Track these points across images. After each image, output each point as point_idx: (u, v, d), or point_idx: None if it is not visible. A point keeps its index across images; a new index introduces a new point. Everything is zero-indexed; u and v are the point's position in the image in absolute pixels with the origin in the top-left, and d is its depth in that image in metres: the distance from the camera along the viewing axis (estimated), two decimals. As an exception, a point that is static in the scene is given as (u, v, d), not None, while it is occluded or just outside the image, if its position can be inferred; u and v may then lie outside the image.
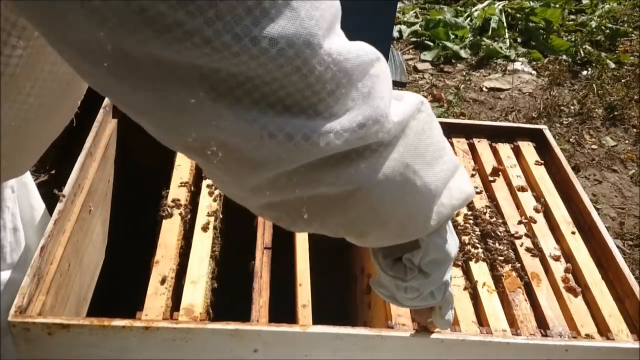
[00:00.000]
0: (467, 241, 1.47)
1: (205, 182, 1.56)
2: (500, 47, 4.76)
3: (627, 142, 3.89)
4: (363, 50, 0.68)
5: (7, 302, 1.19)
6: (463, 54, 4.72)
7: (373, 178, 0.73)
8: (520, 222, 1.56)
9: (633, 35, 5.05)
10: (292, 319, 1.24)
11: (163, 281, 1.29)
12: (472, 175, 1.70)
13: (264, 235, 1.42)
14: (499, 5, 5.14)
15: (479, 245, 1.46)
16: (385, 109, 0.70)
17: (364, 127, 0.68)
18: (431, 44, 4.80)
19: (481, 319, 1.31)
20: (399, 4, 5.24)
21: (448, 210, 0.83)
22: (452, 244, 0.90)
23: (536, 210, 1.61)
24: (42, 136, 1.01)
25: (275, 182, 0.69)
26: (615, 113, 4.09)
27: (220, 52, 0.58)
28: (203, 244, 1.39)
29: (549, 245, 1.50)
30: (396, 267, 0.91)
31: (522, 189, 1.67)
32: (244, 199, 0.75)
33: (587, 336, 1.28)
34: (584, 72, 4.59)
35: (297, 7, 0.59)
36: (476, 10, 5.11)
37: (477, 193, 1.64)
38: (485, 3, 5.20)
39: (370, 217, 0.78)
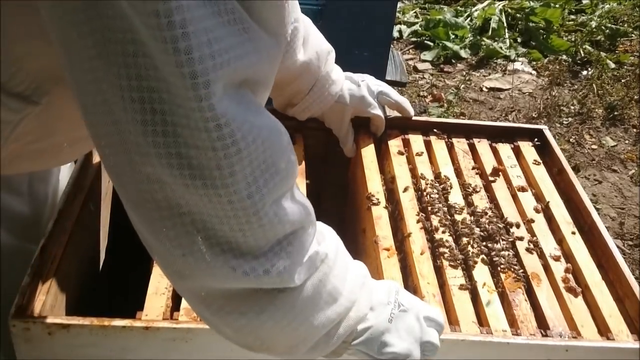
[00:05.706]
0: (467, 242, 1.47)
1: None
2: (500, 47, 4.76)
3: (627, 142, 3.89)
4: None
5: None
6: (463, 54, 4.72)
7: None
8: (520, 222, 1.56)
9: (633, 35, 5.05)
10: (292, 319, 1.24)
11: (163, 281, 1.28)
12: (473, 175, 1.70)
13: (264, 235, 1.41)
14: (499, 5, 5.14)
15: (479, 246, 1.46)
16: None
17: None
18: (431, 44, 4.80)
19: (481, 319, 1.30)
20: (399, 4, 5.24)
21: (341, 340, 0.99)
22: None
23: (536, 210, 1.61)
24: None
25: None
26: (615, 113, 4.09)
27: None
28: (203, 244, 1.39)
29: (549, 245, 1.50)
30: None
31: (522, 189, 1.67)
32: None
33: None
34: (584, 72, 4.59)
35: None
36: (476, 10, 5.11)
37: (477, 192, 1.64)
38: (485, 3, 5.20)
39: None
